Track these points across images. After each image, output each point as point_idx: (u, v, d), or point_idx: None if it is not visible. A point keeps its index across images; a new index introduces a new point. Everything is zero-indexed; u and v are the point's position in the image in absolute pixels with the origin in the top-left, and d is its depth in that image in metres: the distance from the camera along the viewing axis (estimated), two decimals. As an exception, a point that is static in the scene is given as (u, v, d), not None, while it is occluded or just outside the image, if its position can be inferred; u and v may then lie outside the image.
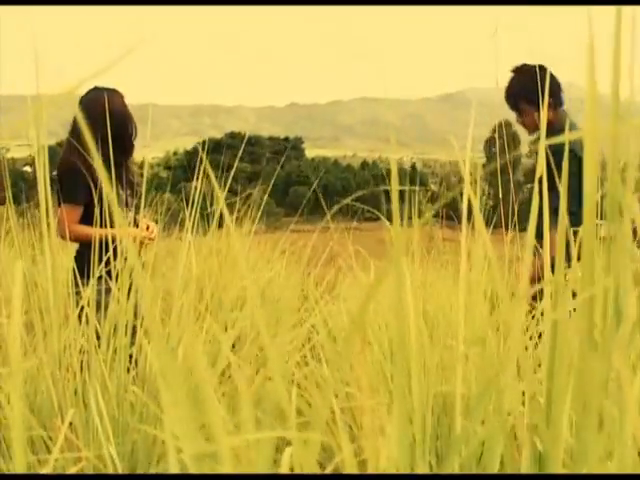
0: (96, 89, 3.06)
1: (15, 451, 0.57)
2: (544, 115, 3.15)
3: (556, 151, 3.09)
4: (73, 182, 2.92)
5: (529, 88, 3.08)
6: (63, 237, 2.84)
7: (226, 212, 0.66)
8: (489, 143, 72.26)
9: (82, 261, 2.63)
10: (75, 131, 3.03)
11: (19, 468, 0.56)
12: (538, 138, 3.33)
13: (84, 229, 2.92)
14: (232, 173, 3.03)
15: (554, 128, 3.10)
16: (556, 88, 3.15)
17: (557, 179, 3.02)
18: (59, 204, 2.95)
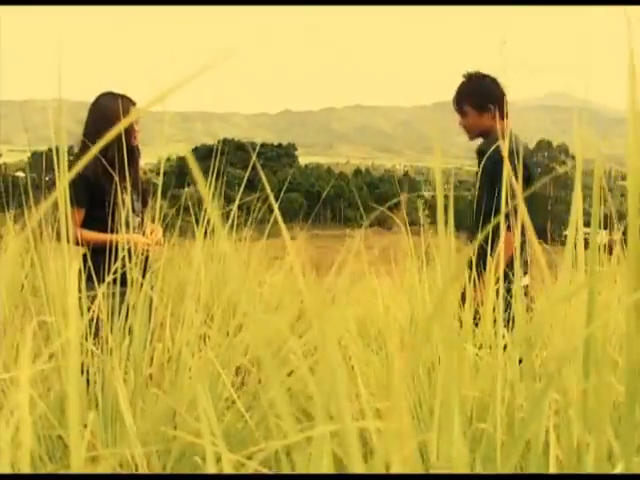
0: (105, 95, 3.06)
1: (73, 448, 0.56)
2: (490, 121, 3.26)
3: (495, 160, 3.18)
4: (74, 186, 2.92)
5: (475, 93, 3.29)
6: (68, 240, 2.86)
7: (278, 213, 0.65)
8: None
9: (91, 265, 2.65)
10: (85, 135, 3.03)
11: (75, 467, 0.56)
12: (488, 143, 3.39)
13: (88, 234, 2.93)
14: (247, 179, 3.04)
15: (492, 136, 3.25)
16: (501, 100, 3.29)
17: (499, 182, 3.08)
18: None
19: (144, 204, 3.21)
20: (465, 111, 3.31)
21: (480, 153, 3.30)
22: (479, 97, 3.27)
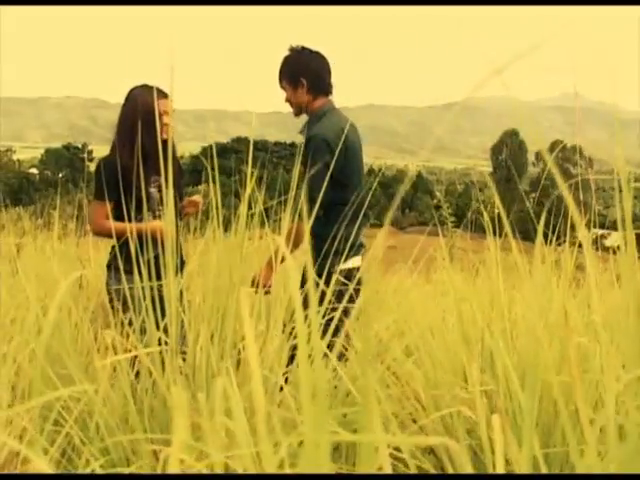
0: (138, 87, 3.04)
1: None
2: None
3: (311, 138, 3.04)
4: (102, 178, 2.91)
5: (289, 67, 3.12)
6: (93, 232, 2.98)
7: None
8: (495, 151, 72.33)
9: (116, 256, 2.77)
10: (118, 128, 3.02)
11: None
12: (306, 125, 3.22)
13: (108, 224, 2.87)
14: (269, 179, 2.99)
15: (315, 115, 3.11)
16: (320, 76, 3.13)
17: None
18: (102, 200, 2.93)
19: (177, 197, 3.19)
20: (283, 86, 3.16)
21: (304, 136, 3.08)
22: (292, 71, 3.10)
